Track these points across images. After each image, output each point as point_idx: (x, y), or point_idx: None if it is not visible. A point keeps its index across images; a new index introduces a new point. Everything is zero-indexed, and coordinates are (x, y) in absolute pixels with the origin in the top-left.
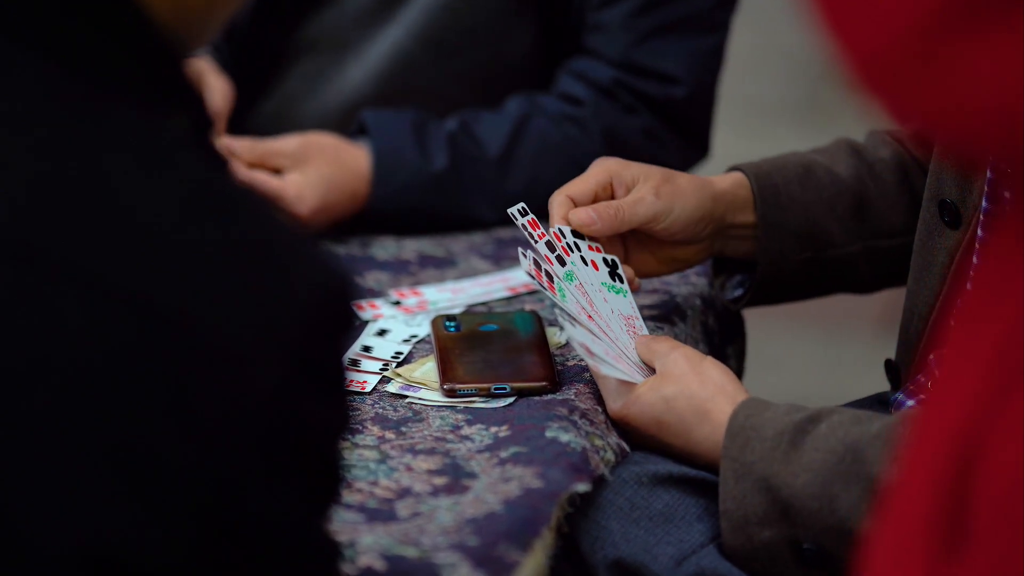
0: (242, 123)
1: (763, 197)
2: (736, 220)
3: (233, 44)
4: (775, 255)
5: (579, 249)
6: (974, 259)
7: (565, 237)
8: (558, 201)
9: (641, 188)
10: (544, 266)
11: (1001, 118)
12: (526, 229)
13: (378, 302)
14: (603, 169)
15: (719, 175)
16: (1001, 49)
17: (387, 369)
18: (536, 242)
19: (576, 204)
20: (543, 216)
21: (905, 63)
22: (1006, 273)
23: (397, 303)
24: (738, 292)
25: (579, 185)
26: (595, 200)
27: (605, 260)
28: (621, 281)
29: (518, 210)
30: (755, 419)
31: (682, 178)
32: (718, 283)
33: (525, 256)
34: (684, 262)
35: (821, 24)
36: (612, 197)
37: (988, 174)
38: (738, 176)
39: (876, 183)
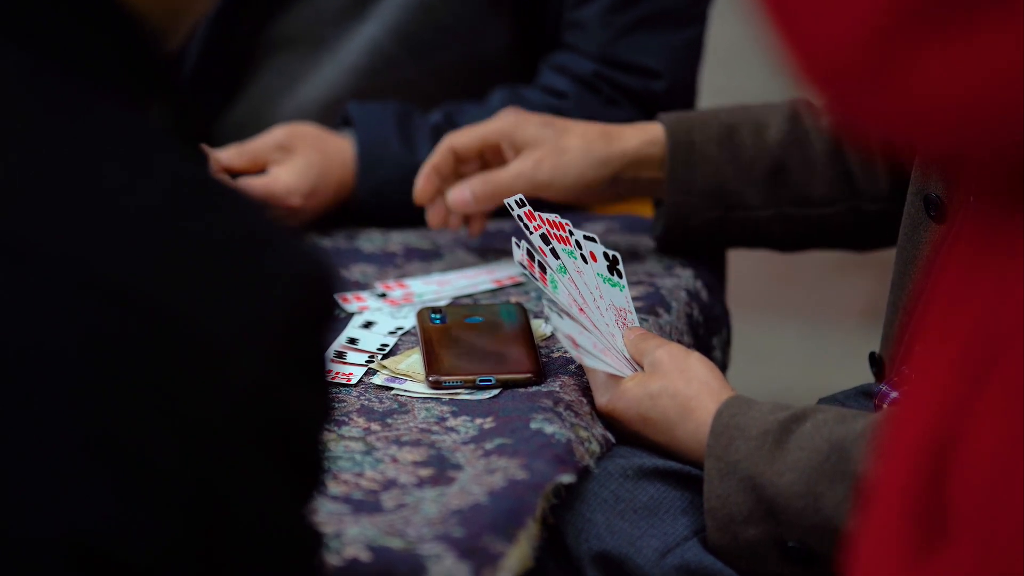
0: (219, 119)
1: (674, 154)
2: (643, 176)
3: (207, 39)
4: (681, 211)
5: (578, 244)
6: None
7: (564, 229)
8: (442, 149)
9: (525, 159)
10: (537, 257)
11: (957, 120)
12: (522, 220)
13: (364, 294)
14: (497, 129)
15: (639, 125)
16: (959, 49)
17: (373, 361)
18: (531, 233)
19: (459, 157)
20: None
21: (859, 69)
22: (973, 268)
23: (383, 295)
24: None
25: (466, 137)
26: (480, 155)
27: (606, 254)
28: (620, 276)
29: (515, 201)
30: (740, 418)
31: (573, 143)
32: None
33: (518, 246)
34: (582, 204)
35: (774, 33)
36: (500, 155)
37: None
38: (655, 131)
39: (803, 152)
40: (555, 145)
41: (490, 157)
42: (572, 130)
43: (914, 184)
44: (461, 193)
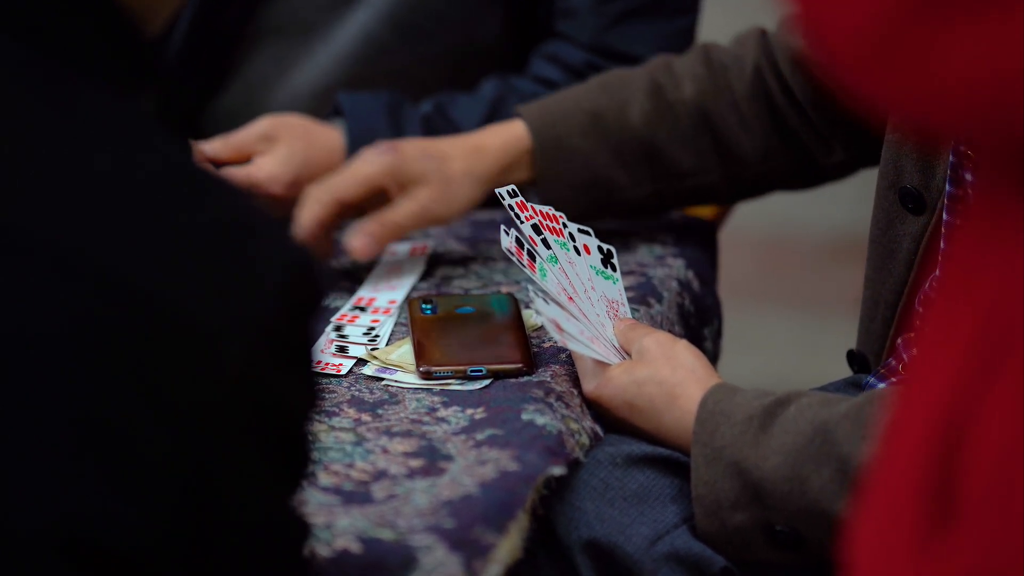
0: (211, 106)
1: (542, 153)
2: (514, 178)
3: (194, 25)
4: (559, 205)
5: (572, 236)
6: (942, 243)
7: (557, 221)
8: (326, 203)
9: (416, 198)
10: (527, 246)
11: (971, 102)
12: (512, 210)
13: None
14: (380, 171)
15: (502, 127)
16: (971, 33)
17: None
18: (522, 223)
19: (344, 206)
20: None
21: (876, 48)
22: (980, 254)
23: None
24: None
25: (351, 186)
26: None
27: (600, 248)
28: (614, 270)
29: (507, 191)
30: (724, 404)
31: (456, 169)
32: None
33: (507, 233)
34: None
35: (793, 12)
36: (384, 195)
37: (950, 158)
38: (518, 132)
39: (669, 127)
40: (440, 176)
41: (374, 197)
42: (451, 155)
43: (885, 179)
44: (364, 241)
